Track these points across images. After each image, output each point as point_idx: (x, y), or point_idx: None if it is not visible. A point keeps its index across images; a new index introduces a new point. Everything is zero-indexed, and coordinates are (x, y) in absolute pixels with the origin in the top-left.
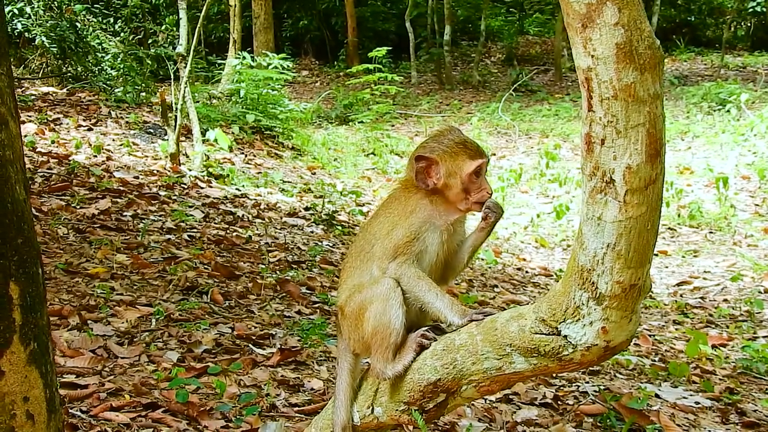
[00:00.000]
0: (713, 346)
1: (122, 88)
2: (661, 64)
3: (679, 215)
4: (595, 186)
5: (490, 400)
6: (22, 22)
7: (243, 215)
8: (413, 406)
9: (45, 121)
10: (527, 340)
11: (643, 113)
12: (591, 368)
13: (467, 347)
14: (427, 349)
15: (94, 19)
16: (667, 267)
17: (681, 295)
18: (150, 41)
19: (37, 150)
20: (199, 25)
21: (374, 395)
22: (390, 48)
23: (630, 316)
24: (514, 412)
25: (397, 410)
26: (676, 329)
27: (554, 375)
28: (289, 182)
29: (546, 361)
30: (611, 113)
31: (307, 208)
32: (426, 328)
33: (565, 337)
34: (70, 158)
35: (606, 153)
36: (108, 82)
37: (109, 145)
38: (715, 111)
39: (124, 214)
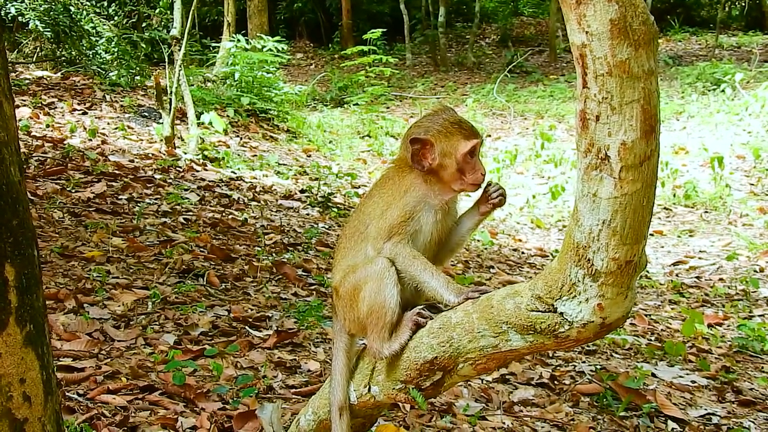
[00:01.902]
0: (709, 325)
1: (116, 71)
2: (655, 40)
3: (674, 195)
4: (590, 163)
5: (487, 381)
6: (16, 6)
7: (238, 198)
8: (410, 384)
9: (39, 105)
10: (523, 317)
11: (638, 89)
12: (587, 348)
13: (463, 325)
14: (423, 327)
15: (88, 3)
16: (662, 247)
17: (677, 275)
18: (144, 25)
19: (31, 134)
20: (193, 8)
21: (371, 374)
22: (385, 30)
23: (626, 293)
24: (511, 392)
25: (393, 389)
26: (672, 309)
27: (550, 355)
28: (284, 165)
29: (542, 339)
30: (606, 89)
31: (302, 191)
32: (422, 306)
33: (561, 314)
34: (65, 142)
35: (601, 129)
36: (102, 66)
37: (103, 128)
38: (709, 91)
39: (120, 197)
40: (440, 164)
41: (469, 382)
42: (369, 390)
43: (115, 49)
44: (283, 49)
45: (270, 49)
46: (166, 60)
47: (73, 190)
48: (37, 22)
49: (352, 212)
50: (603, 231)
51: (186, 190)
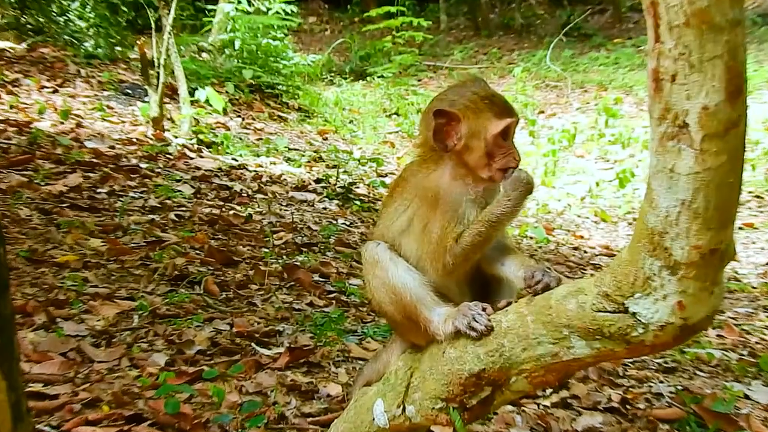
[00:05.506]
0: None
1: (93, 41)
2: None
3: (767, 180)
4: (666, 131)
5: (545, 405)
6: None
7: (241, 190)
8: (453, 403)
9: (1, 82)
10: (588, 319)
11: (721, 43)
12: (666, 365)
13: (516, 330)
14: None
15: None
16: (754, 243)
17: None
18: None
19: None
20: None
21: (405, 392)
22: None
23: (711, 288)
24: (574, 419)
25: (433, 408)
26: None
27: (621, 373)
28: (295, 150)
29: (611, 345)
30: (683, 43)
31: (318, 181)
32: (474, 303)
33: (634, 314)
34: (33, 126)
35: (678, 91)
36: (76, 35)
37: (78, 109)
38: None
39: (99, 191)
40: (466, 146)
41: (523, 408)
42: (403, 410)
43: (91, 15)
44: (292, 11)
45: (277, 12)
46: (153, 27)
47: (43, 183)
48: None
49: (379, 214)
50: (682, 213)
51: (178, 181)
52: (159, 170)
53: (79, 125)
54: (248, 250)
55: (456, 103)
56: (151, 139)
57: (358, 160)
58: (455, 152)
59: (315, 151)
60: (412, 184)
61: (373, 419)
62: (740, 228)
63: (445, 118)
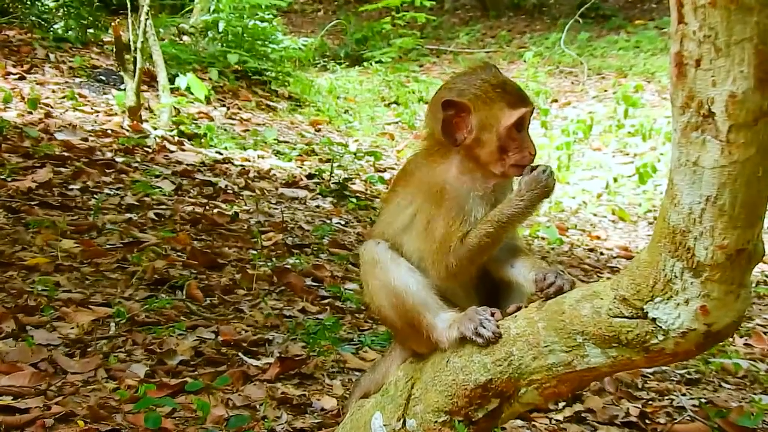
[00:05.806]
0: None
1: (63, 23)
2: None
3: None
4: (689, 121)
5: (557, 420)
6: None
7: (226, 186)
8: (457, 416)
9: None
10: (604, 325)
11: (750, 24)
12: (688, 376)
13: (526, 337)
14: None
15: None
16: None
17: None
18: None
19: None
20: None
21: (406, 404)
22: None
23: (737, 292)
24: None
25: (436, 422)
26: None
27: (640, 385)
28: (285, 142)
29: (629, 353)
30: (708, 25)
31: (310, 176)
32: (483, 308)
33: (653, 320)
34: None
35: (702, 77)
36: (44, 16)
37: (47, 97)
38: None
39: (71, 187)
40: (477, 139)
41: (533, 423)
42: (404, 424)
43: None
44: None
45: None
46: (129, 7)
47: (9, 179)
48: None
49: (382, 209)
50: (707, 211)
51: (157, 176)
52: (136, 165)
53: (48, 115)
54: (234, 251)
55: (465, 92)
56: (127, 130)
57: (354, 154)
58: (465, 146)
59: (307, 144)
60: (416, 177)
61: None
62: None
63: (453, 109)
